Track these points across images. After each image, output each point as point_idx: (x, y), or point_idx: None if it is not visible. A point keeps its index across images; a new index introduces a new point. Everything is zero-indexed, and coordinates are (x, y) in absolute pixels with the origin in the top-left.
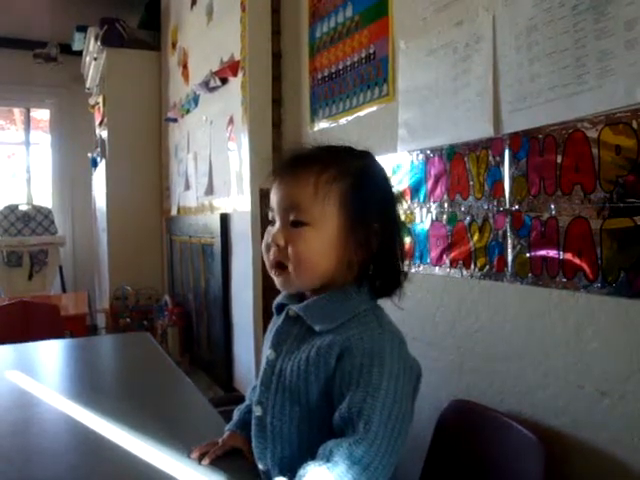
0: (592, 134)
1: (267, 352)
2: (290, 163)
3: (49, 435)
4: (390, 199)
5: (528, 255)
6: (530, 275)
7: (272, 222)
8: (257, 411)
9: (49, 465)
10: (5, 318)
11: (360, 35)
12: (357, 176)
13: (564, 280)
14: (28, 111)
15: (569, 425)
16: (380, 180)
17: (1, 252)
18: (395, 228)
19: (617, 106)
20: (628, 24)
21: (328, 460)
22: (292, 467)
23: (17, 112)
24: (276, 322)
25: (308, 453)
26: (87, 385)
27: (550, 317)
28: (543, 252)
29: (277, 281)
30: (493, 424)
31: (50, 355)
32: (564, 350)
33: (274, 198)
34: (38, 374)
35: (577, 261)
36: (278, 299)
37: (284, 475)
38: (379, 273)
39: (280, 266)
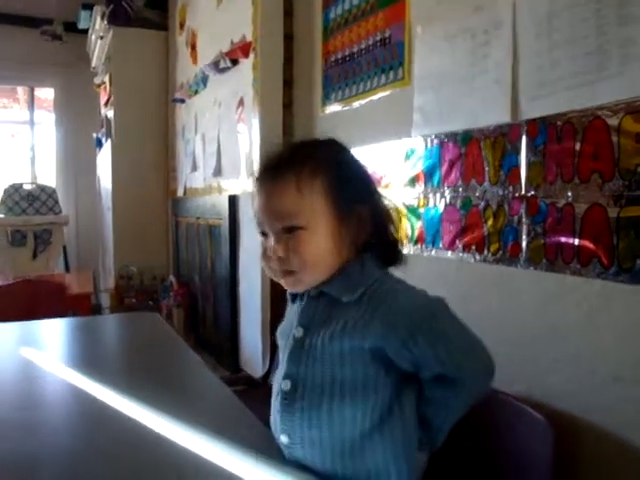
0: (612, 122)
1: (294, 331)
2: (265, 171)
3: (60, 410)
4: (367, 177)
5: (543, 241)
6: (544, 261)
7: (264, 234)
8: (285, 386)
9: (58, 438)
10: (11, 296)
11: (375, 18)
12: (334, 166)
13: (579, 267)
14: (32, 90)
15: (580, 409)
16: (354, 163)
17: (5, 231)
18: (380, 202)
19: (639, 94)
20: None
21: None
22: (322, 442)
23: (20, 91)
24: (293, 307)
25: (338, 426)
26: (98, 363)
27: (564, 303)
28: (558, 238)
29: (285, 282)
30: (504, 407)
31: (59, 333)
32: (577, 335)
33: (260, 210)
34: (48, 352)
35: (593, 248)
36: None
37: (309, 449)
38: (380, 245)
39: (287, 272)
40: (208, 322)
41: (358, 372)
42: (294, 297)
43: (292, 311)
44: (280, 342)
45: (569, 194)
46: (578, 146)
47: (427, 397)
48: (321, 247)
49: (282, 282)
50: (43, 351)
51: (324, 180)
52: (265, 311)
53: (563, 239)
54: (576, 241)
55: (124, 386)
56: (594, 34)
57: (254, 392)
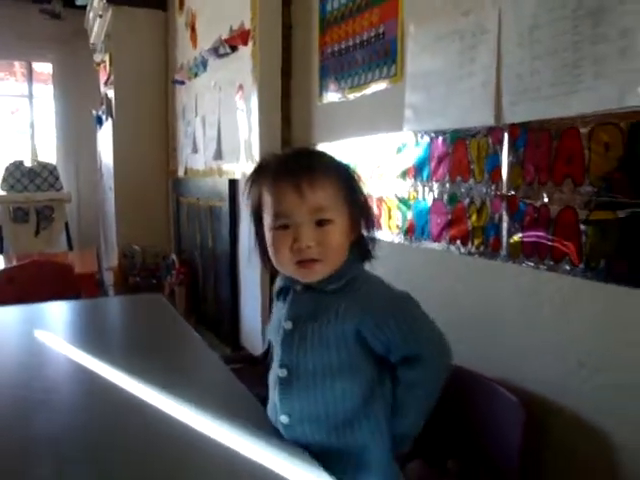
0: (585, 132)
1: (283, 325)
2: (290, 169)
3: (69, 389)
4: (358, 182)
5: (521, 238)
6: (522, 256)
7: (285, 226)
8: (282, 373)
9: (68, 415)
10: (20, 278)
11: (370, 14)
12: (343, 172)
13: (552, 263)
14: (30, 64)
15: (549, 391)
16: (352, 170)
17: (8, 208)
18: (368, 203)
19: (608, 108)
20: (623, 32)
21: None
22: (318, 417)
23: (17, 64)
24: (279, 305)
25: (332, 402)
26: (106, 344)
27: (538, 295)
28: (535, 236)
29: (304, 272)
30: (481, 387)
31: (67, 315)
32: (549, 325)
33: (290, 204)
34: (56, 334)
35: (564, 247)
36: (279, 284)
37: (308, 425)
38: (364, 242)
39: (312, 261)
40: (209, 300)
41: (344, 357)
42: (279, 294)
43: (278, 308)
44: (272, 338)
45: (544, 195)
46: (554, 152)
47: (397, 378)
48: (343, 239)
49: (297, 271)
50: (51, 333)
51: (342, 183)
52: (264, 290)
53: (539, 237)
54: (550, 240)
55: (129, 366)
56: (571, 49)
57: (253, 370)
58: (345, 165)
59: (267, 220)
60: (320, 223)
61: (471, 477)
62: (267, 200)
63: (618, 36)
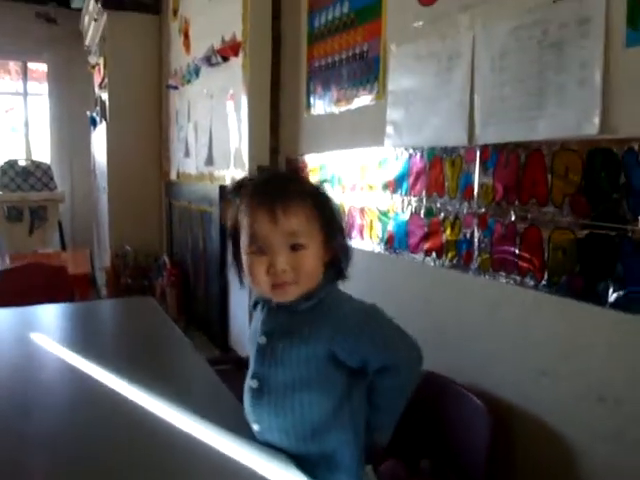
0: (548, 155)
1: (258, 339)
2: (268, 193)
3: (61, 390)
4: (335, 205)
5: (490, 253)
6: (491, 270)
7: (261, 251)
8: (253, 384)
9: (59, 415)
10: (15, 280)
11: (355, 32)
12: (318, 196)
13: (518, 278)
14: (25, 64)
15: (514, 397)
16: (327, 193)
17: (2, 207)
18: (344, 232)
19: (569, 135)
20: (582, 65)
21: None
22: (286, 429)
23: (12, 62)
24: (256, 316)
25: (299, 415)
26: (97, 347)
27: (505, 307)
28: (502, 252)
29: (278, 293)
30: (451, 392)
31: (61, 319)
32: (514, 335)
33: (266, 228)
34: (50, 337)
35: (529, 263)
36: (255, 298)
37: (277, 434)
38: (337, 264)
39: (286, 283)
40: (200, 302)
41: (313, 373)
42: (255, 306)
43: (256, 319)
44: (249, 347)
45: (512, 214)
46: (520, 173)
47: (374, 386)
48: (316, 263)
49: (272, 293)
50: (45, 336)
51: (320, 208)
52: (252, 295)
53: (506, 254)
54: (516, 256)
55: (119, 368)
56: (536, 77)
57: (239, 373)
58: (321, 190)
59: (244, 241)
60: (294, 247)
61: (443, 476)
62: (243, 222)
63: (578, 68)
